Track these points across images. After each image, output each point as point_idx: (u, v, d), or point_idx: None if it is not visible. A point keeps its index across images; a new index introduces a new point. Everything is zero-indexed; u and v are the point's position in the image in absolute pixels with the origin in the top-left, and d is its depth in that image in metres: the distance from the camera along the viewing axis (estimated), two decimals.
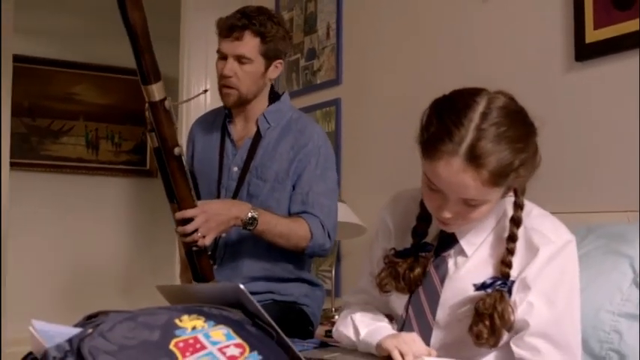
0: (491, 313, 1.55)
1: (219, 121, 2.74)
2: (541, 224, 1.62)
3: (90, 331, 1.11)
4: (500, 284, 1.58)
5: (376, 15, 3.65)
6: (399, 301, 1.75)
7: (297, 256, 2.63)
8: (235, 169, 2.63)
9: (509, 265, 1.59)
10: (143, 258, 5.73)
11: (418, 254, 1.71)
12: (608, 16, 2.46)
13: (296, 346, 1.87)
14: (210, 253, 2.41)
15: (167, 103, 2.15)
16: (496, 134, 1.46)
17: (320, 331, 3.01)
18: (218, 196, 2.62)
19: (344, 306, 1.98)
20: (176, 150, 2.20)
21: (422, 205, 1.72)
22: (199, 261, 2.36)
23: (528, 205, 1.65)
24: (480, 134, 1.46)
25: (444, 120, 1.50)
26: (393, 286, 1.71)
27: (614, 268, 1.97)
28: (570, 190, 2.56)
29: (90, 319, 1.28)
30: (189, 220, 2.27)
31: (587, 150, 2.55)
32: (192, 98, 2.69)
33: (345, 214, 3.20)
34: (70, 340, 1.07)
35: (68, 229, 5.51)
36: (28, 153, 5.43)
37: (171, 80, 5.20)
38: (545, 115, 2.65)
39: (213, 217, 2.31)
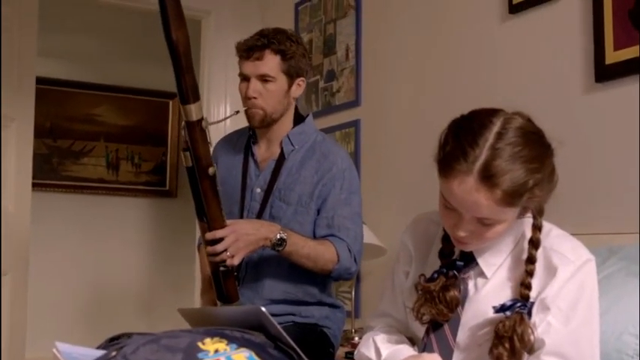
0: (511, 336, 1.54)
1: (243, 141, 2.74)
2: (560, 245, 1.62)
3: (114, 353, 1.11)
4: (520, 306, 1.57)
5: (395, 36, 3.66)
6: (420, 325, 1.73)
7: (319, 279, 2.63)
8: (258, 190, 2.64)
9: (528, 287, 1.58)
10: (164, 277, 5.73)
11: (448, 274, 1.69)
12: (628, 37, 2.45)
13: None
14: (236, 273, 2.41)
15: (204, 123, 2.16)
16: (511, 154, 1.47)
17: (340, 352, 3.01)
18: (240, 217, 2.62)
19: (366, 329, 1.97)
20: (210, 170, 2.21)
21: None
22: (225, 281, 2.37)
23: (547, 225, 1.65)
24: (495, 153, 1.47)
25: (459, 139, 1.52)
26: (433, 311, 1.67)
27: (636, 290, 1.95)
28: (591, 211, 2.55)
29: (113, 341, 1.30)
30: (219, 239, 2.28)
31: (608, 171, 2.54)
32: (225, 119, 2.71)
33: (365, 235, 3.18)
34: None
35: (89, 250, 5.52)
36: (50, 174, 5.47)
37: None
38: (565, 136, 2.63)
39: (242, 237, 2.31)
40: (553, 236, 1.64)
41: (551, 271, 1.58)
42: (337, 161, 2.60)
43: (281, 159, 2.64)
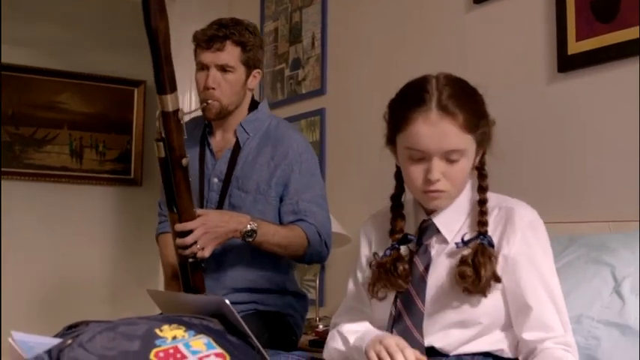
0: (473, 259, 1.66)
1: (198, 131, 2.73)
2: (509, 200, 1.79)
3: (69, 341, 1.10)
4: (480, 237, 1.69)
5: (361, 25, 3.65)
6: (382, 304, 1.79)
7: (282, 267, 2.64)
8: (215, 180, 2.63)
9: (485, 224, 1.72)
10: (127, 267, 5.68)
11: (399, 249, 1.79)
12: (590, 28, 2.48)
13: (280, 357, 1.89)
14: (204, 265, 2.40)
15: (180, 114, 2.17)
16: (454, 89, 1.67)
17: (304, 340, 3.01)
18: (200, 207, 2.60)
19: (331, 327, 1.98)
20: (184, 161, 2.22)
21: (394, 205, 1.86)
22: (193, 274, 2.36)
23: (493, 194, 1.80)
24: (443, 90, 1.66)
25: (406, 98, 1.71)
26: (387, 285, 1.76)
27: (595, 276, 1.99)
28: (553, 200, 2.57)
29: (70, 330, 1.30)
30: (189, 232, 2.27)
31: (570, 160, 2.56)
32: (196, 110, 2.70)
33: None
34: (49, 351, 1.07)
35: (51, 238, 5.45)
36: (12, 162, 5.38)
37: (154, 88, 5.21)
38: (529, 126, 2.69)
39: (212, 230, 2.31)
40: (501, 198, 1.80)
41: (510, 220, 1.72)
42: (293, 145, 2.60)
43: (237, 148, 2.64)
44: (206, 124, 2.72)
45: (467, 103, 1.67)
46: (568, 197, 2.54)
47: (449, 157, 1.66)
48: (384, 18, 3.52)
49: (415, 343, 1.66)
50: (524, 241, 1.69)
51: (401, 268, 1.74)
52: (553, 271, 1.71)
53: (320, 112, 3.85)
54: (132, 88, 5.85)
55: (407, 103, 1.68)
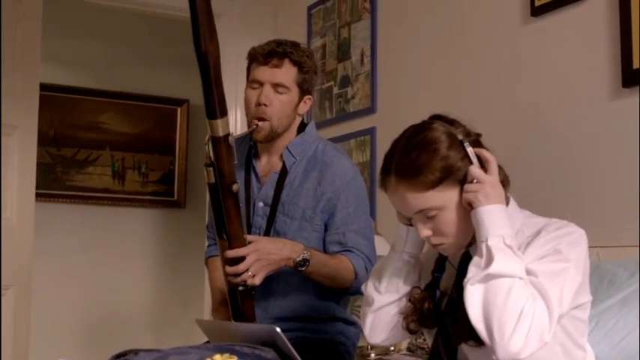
0: None
1: (244, 152, 2.70)
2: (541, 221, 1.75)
3: None
4: None
5: (412, 40, 3.61)
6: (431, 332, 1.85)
7: (330, 296, 2.59)
8: (261, 204, 2.60)
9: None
10: (172, 292, 5.67)
11: (434, 289, 1.81)
12: None
13: None
14: (254, 293, 2.37)
15: (231, 139, 2.14)
16: (407, 150, 1.69)
17: None
18: (248, 233, 2.54)
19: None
20: (234, 187, 2.20)
21: None
22: (243, 302, 2.33)
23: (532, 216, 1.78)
24: (398, 154, 1.70)
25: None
26: (416, 323, 1.82)
27: None
28: (622, 222, 2.47)
29: (118, 358, 1.32)
30: (241, 259, 2.25)
31: (637, 179, 2.45)
32: (245, 133, 2.65)
33: (380, 247, 3.13)
34: None
35: (94, 262, 5.46)
36: (53, 183, 5.40)
37: (198, 107, 5.16)
38: (591, 144, 2.59)
39: (264, 257, 2.30)
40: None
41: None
42: (340, 172, 2.56)
43: (283, 172, 2.60)
44: (251, 145, 2.68)
45: (419, 165, 1.66)
46: (636, 219, 2.42)
47: (426, 215, 1.69)
48: (435, 32, 3.46)
49: None
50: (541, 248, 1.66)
51: (425, 307, 1.79)
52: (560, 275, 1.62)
53: (370, 132, 3.80)
54: (175, 107, 5.88)
55: (381, 169, 1.76)
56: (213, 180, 2.21)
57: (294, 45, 2.57)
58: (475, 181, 1.65)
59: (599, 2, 2.62)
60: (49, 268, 5.08)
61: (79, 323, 5.37)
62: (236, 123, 4.44)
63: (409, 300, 1.84)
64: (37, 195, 4.05)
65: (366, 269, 2.49)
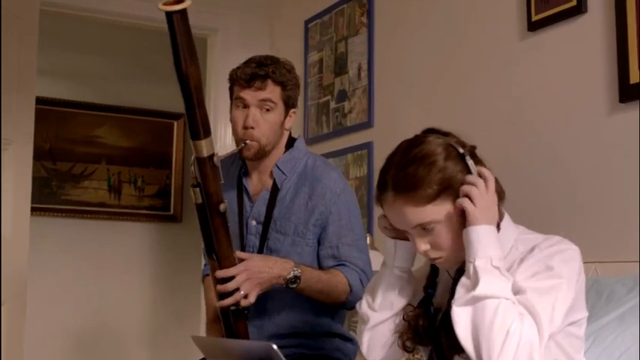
0: None
1: (235, 170, 2.69)
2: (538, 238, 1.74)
3: None
4: None
5: (410, 54, 3.59)
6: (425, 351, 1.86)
7: (326, 311, 2.58)
8: (254, 222, 2.60)
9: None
10: (167, 306, 5.64)
11: (428, 306, 1.81)
12: None
13: None
14: (247, 312, 2.35)
15: (216, 159, 2.15)
16: (402, 165, 1.69)
17: None
18: (242, 250, 2.55)
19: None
20: (221, 207, 2.20)
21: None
22: (236, 322, 2.31)
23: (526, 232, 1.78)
24: (395, 169, 1.69)
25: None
26: (412, 341, 1.81)
27: None
28: (619, 237, 2.46)
29: None
30: (230, 278, 2.25)
31: (634, 195, 2.44)
32: (233, 152, 2.62)
33: (377, 262, 3.09)
34: None
35: (89, 277, 5.43)
36: (49, 198, 5.37)
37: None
38: (588, 159, 2.57)
39: (255, 276, 2.29)
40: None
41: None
42: (330, 185, 2.55)
43: (274, 189, 2.60)
44: (241, 165, 2.68)
45: (419, 171, 1.67)
46: (635, 234, 2.41)
47: (423, 228, 1.69)
48: (432, 47, 3.45)
49: None
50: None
51: (419, 324, 1.78)
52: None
53: (367, 146, 3.78)
54: (171, 121, 5.87)
55: (377, 185, 1.76)
56: (200, 200, 2.21)
57: (275, 62, 2.56)
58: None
59: (595, 17, 2.62)
60: (45, 282, 5.03)
61: (74, 339, 5.33)
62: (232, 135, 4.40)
63: (403, 318, 1.83)
64: (33, 209, 4.01)
65: (361, 282, 2.48)
